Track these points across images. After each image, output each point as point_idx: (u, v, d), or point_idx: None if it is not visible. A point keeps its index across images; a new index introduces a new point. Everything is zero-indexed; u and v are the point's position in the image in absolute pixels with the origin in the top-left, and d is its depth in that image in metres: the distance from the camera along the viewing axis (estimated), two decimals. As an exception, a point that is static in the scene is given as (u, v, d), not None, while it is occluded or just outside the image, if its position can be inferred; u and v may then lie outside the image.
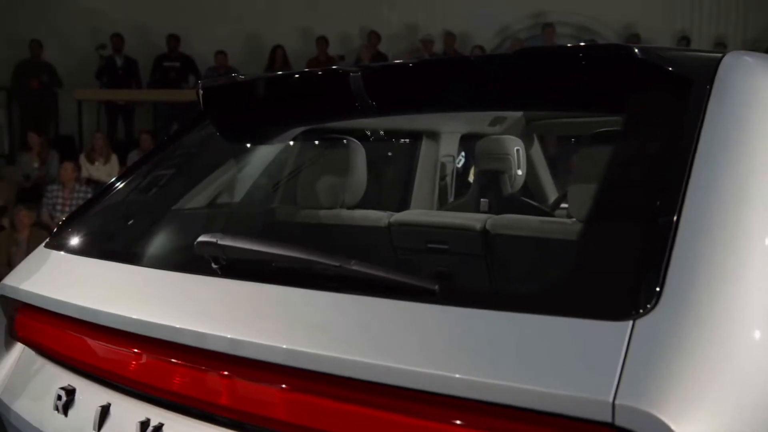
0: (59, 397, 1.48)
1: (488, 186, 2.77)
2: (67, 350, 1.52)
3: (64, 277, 1.61)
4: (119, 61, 10.35)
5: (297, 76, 1.88)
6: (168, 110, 10.22)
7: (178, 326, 1.24)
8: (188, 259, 1.46)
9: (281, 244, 1.25)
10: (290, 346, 1.10)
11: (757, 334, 1.01)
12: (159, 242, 1.77)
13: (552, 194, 3.48)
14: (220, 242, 1.29)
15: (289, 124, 2.06)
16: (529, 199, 3.04)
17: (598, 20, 11.25)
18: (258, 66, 10.15)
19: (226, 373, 1.21)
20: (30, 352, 1.67)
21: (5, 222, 7.72)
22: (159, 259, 1.65)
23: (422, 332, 1.05)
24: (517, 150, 2.74)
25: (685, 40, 10.78)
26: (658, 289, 1.00)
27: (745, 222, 1.11)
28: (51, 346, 1.57)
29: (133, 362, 1.37)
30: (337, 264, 1.15)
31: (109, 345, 1.42)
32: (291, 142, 2.26)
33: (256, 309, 1.23)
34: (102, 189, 1.95)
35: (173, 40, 10.37)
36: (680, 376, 0.92)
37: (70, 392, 1.48)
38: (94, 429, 1.39)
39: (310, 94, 1.79)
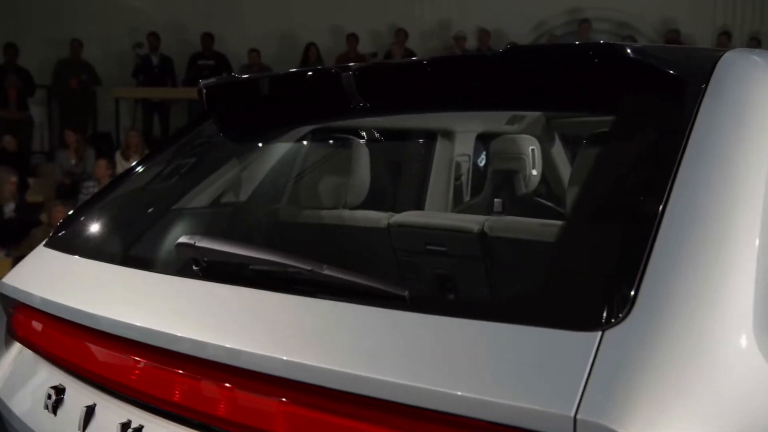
0: (49, 396, 1.49)
1: (502, 186, 2.73)
2: (58, 350, 1.53)
3: (59, 278, 1.62)
4: (155, 60, 10.50)
5: (297, 75, 1.87)
6: (202, 108, 10.30)
7: (151, 328, 1.24)
8: (176, 261, 1.46)
9: (257, 247, 1.24)
10: (255, 351, 1.09)
11: (736, 349, 0.96)
12: (152, 244, 1.77)
13: (573, 194, 3.40)
14: (197, 244, 1.28)
15: (292, 124, 2.05)
16: (551, 199, 2.99)
17: (636, 16, 11.05)
18: (291, 63, 10.19)
19: (200, 377, 1.20)
20: (27, 351, 1.69)
21: (43, 218, 7.89)
22: (148, 260, 1.66)
23: (386, 339, 1.03)
24: (532, 150, 2.69)
25: (726, 35, 10.52)
26: (631, 298, 0.96)
27: (732, 229, 1.06)
28: (43, 345, 1.59)
29: (117, 364, 1.38)
30: (309, 268, 1.14)
31: (96, 346, 1.43)
32: (294, 143, 2.25)
33: (228, 312, 1.22)
34: (103, 188, 1.97)
35: (208, 38, 10.48)
36: (648, 392, 0.88)
37: (60, 392, 1.49)
38: (79, 429, 1.39)
39: (311, 94, 1.78)
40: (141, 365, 1.31)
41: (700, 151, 1.14)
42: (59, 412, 1.48)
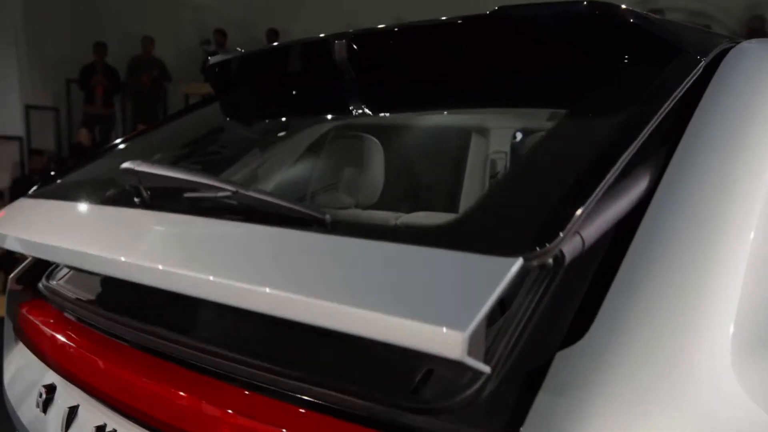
0: (40, 395, 1.50)
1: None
2: (50, 349, 1.54)
3: (27, 220, 1.60)
4: (222, 56, 10.68)
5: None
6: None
7: (84, 251, 1.22)
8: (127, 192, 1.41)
9: (186, 170, 1.20)
10: (178, 271, 1.03)
11: (707, 376, 0.86)
12: (113, 181, 1.71)
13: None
14: (137, 168, 1.24)
15: (304, 117, 2.01)
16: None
17: (713, 4, 10.53)
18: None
19: (173, 387, 1.17)
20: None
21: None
22: (109, 196, 1.60)
23: (303, 259, 0.97)
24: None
25: (813, 21, 9.94)
26: (588, 316, 0.88)
27: (719, 243, 0.96)
28: (38, 343, 1.60)
29: (99, 367, 1.37)
30: (234, 190, 1.10)
31: (82, 348, 1.43)
32: (306, 137, 2.21)
33: (159, 239, 1.19)
34: (89, 154, 1.95)
35: (273, 34, 10.59)
36: (596, 422, 0.80)
37: (51, 390, 1.50)
38: (61, 429, 1.40)
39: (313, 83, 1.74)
40: (118, 370, 1.30)
41: (692, 149, 1.04)
42: (48, 410, 1.49)
